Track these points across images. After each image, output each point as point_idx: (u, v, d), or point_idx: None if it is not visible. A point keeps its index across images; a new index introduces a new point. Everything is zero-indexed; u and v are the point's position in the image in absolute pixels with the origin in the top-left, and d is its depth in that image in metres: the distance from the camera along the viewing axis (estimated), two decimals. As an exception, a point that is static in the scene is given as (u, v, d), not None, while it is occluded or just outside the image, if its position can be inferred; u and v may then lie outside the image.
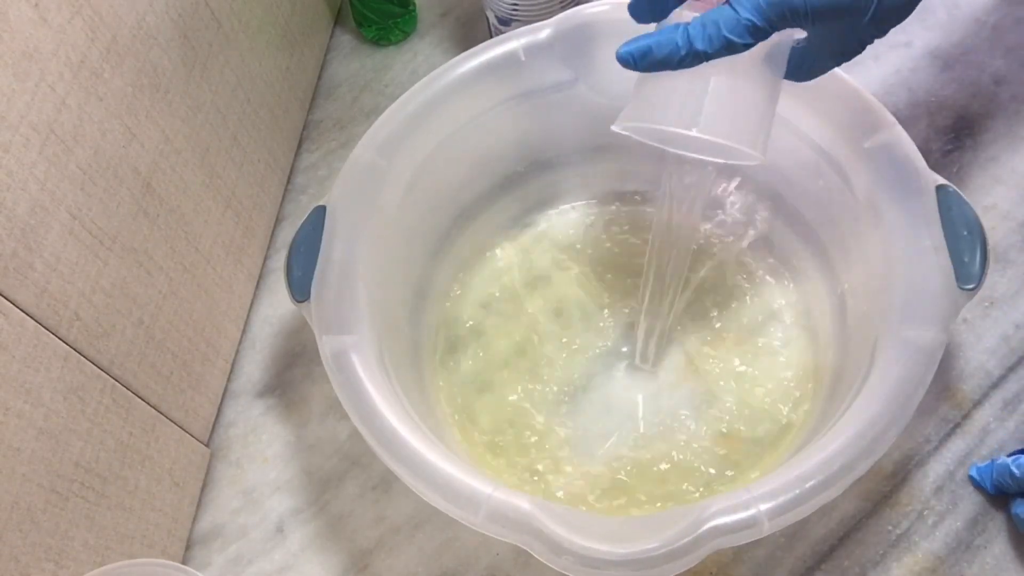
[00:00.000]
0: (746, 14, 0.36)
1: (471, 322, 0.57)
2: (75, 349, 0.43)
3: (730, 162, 0.43)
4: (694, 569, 0.47)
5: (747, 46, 0.37)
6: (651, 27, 0.42)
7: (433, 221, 0.56)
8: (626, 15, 0.41)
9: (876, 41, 0.39)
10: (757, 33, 0.37)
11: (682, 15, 0.40)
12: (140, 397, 0.48)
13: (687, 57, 0.38)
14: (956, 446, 0.51)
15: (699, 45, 0.37)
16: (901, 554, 0.48)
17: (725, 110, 0.41)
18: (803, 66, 0.41)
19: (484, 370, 0.55)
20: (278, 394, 0.58)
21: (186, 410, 0.53)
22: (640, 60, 0.39)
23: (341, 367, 0.44)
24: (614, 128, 0.42)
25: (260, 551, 0.53)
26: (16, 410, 0.39)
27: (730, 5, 0.37)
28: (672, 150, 0.43)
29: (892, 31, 0.39)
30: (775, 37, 0.39)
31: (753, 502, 0.37)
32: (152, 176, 0.49)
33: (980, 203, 0.58)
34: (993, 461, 0.48)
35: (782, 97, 0.41)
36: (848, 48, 0.40)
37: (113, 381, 0.46)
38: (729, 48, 0.37)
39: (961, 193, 0.45)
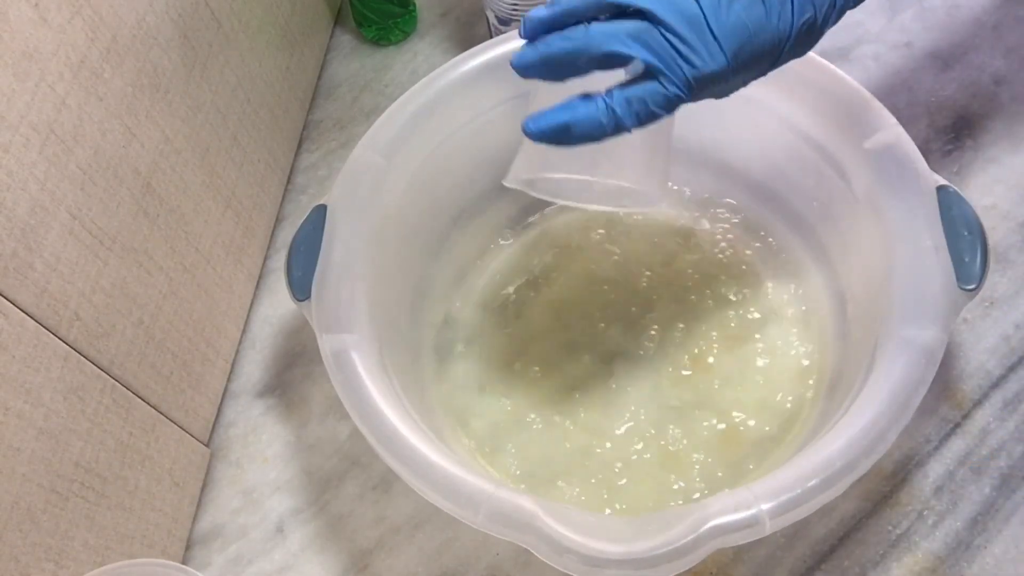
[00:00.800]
0: (675, 90, 0.36)
1: (471, 322, 0.57)
2: (75, 349, 0.43)
3: (627, 209, 0.42)
4: (694, 569, 0.47)
5: (670, 114, 0.37)
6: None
7: (433, 221, 0.56)
8: None
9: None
10: (680, 103, 0.37)
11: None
12: (140, 397, 0.48)
13: (610, 133, 0.37)
14: (956, 446, 0.51)
15: (625, 122, 0.36)
16: (901, 554, 0.48)
17: (625, 155, 0.40)
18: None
19: (484, 369, 0.55)
20: (278, 394, 0.58)
21: (186, 410, 0.53)
22: (555, 138, 0.37)
23: (341, 366, 0.44)
24: (505, 183, 0.41)
25: (260, 551, 0.53)
26: (16, 410, 0.39)
27: (658, 81, 0.36)
28: (564, 202, 0.42)
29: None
30: None
31: (754, 501, 0.37)
32: (152, 176, 0.49)
33: (980, 203, 0.58)
34: None
35: (783, 97, 0.41)
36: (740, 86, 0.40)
37: (113, 381, 0.46)
38: (652, 120, 0.37)
39: (961, 193, 0.45)
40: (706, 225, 0.59)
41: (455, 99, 0.52)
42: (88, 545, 0.44)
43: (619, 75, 0.38)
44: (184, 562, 0.53)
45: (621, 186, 0.40)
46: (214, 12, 0.55)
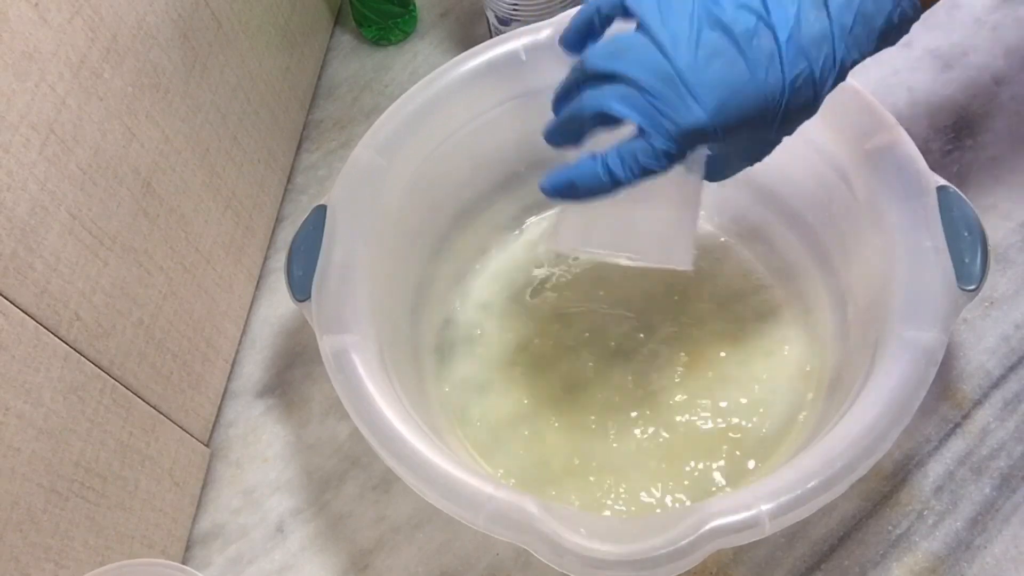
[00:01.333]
0: (660, 144, 0.37)
1: (471, 322, 0.57)
2: (75, 349, 0.43)
3: (661, 266, 0.45)
4: (694, 569, 0.47)
5: (665, 168, 0.38)
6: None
7: (433, 221, 0.56)
8: None
9: None
10: (672, 158, 0.38)
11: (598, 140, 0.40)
12: (140, 397, 0.48)
13: (609, 187, 0.39)
14: (956, 446, 0.51)
15: (620, 176, 0.38)
16: (901, 554, 0.48)
17: (651, 231, 0.43)
18: (717, 170, 0.43)
19: (484, 370, 0.55)
20: (278, 394, 0.58)
21: (186, 410, 0.53)
22: (565, 193, 0.40)
23: (341, 366, 0.44)
24: (548, 247, 0.44)
25: (260, 551, 0.53)
26: (16, 410, 0.39)
27: (642, 137, 0.37)
28: (607, 259, 0.45)
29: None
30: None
31: (754, 502, 0.37)
32: (152, 176, 0.49)
33: (980, 203, 0.58)
34: None
35: None
36: (759, 152, 0.41)
37: (113, 381, 0.46)
38: (647, 174, 0.38)
39: (962, 194, 0.45)
40: (706, 226, 0.59)
41: (455, 99, 0.52)
42: (88, 545, 0.44)
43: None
44: (184, 562, 0.53)
45: (650, 266, 0.44)
46: (214, 12, 0.55)
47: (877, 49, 0.38)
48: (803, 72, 0.37)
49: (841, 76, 0.38)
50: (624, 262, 0.43)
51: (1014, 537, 0.48)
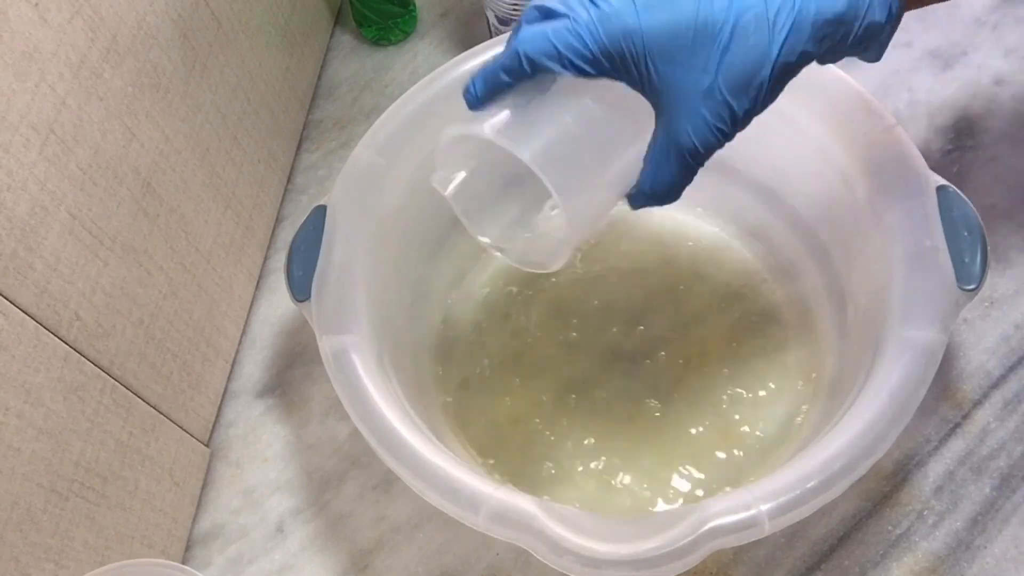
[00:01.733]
0: (577, 29, 0.35)
1: (471, 322, 0.57)
2: (75, 349, 0.43)
3: (527, 268, 0.41)
4: (694, 569, 0.47)
5: (575, 67, 0.36)
6: None
7: (433, 221, 0.56)
8: None
9: None
10: (586, 60, 0.36)
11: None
12: (140, 397, 0.48)
13: (517, 66, 0.37)
14: (956, 446, 0.51)
15: (531, 51, 0.36)
16: (901, 554, 0.48)
17: (564, 158, 0.39)
18: (649, 170, 0.39)
19: (483, 370, 0.55)
20: (278, 394, 0.58)
21: (186, 410, 0.53)
22: (490, 81, 0.39)
23: (341, 367, 0.44)
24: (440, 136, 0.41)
25: (260, 551, 0.53)
26: (16, 410, 0.39)
27: (568, 18, 0.35)
28: (478, 238, 0.41)
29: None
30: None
31: (754, 502, 0.37)
32: (152, 176, 0.49)
33: (980, 203, 0.58)
34: None
35: (784, 98, 0.40)
36: (692, 136, 0.36)
37: (113, 381, 0.46)
38: (561, 63, 0.36)
39: (962, 194, 0.45)
40: (706, 226, 0.59)
41: (455, 99, 0.52)
42: (88, 545, 0.44)
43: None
44: (184, 562, 0.53)
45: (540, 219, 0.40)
46: (214, 12, 0.55)
47: (851, 34, 0.35)
48: (754, 5, 0.34)
49: (802, 38, 0.35)
50: (495, 252, 0.40)
51: (1014, 537, 0.48)
